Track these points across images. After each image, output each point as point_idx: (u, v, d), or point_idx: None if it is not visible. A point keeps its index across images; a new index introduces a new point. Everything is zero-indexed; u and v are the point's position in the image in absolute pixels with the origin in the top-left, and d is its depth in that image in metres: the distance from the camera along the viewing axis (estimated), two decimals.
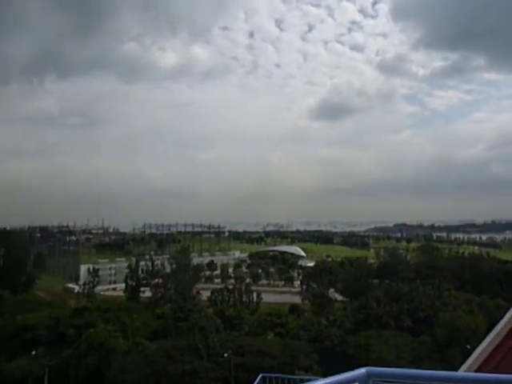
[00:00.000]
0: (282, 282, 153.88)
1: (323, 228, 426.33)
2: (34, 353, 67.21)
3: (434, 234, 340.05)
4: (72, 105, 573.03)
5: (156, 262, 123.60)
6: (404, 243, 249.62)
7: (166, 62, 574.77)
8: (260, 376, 8.07)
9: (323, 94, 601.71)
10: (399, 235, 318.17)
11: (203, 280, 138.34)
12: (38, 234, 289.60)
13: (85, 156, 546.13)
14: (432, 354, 61.93)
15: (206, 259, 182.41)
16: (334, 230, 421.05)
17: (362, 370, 3.88)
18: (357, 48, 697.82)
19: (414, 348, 63.98)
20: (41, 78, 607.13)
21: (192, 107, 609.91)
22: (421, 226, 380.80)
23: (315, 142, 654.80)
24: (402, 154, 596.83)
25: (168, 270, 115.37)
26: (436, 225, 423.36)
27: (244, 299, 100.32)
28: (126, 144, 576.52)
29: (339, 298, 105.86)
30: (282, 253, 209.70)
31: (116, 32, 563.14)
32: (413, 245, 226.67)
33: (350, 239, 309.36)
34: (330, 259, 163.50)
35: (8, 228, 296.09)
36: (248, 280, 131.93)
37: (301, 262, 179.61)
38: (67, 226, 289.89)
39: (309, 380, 5.18)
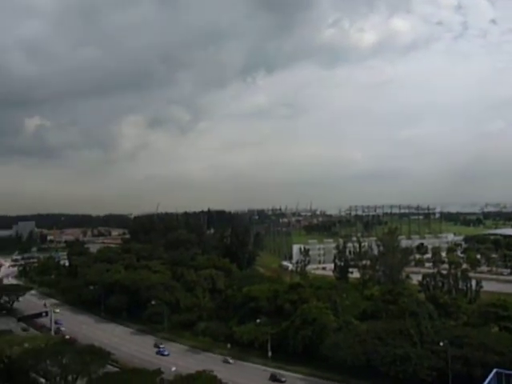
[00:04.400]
0: (508, 270, 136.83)
1: None
2: (258, 321, 76.48)
3: None
4: (280, 97, 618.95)
5: (363, 244, 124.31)
6: None
7: (364, 42, 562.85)
8: (494, 372, 7.47)
9: None
10: None
11: (413, 263, 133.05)
12: (256, 217, 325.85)
13: (293, 144, 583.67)
14: None
15: (415, 242, 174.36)
16: None
17: None
18: None
19: None
20: (253, 76, 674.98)
21: (393, 83, 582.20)
22: None
23: None
24: None
25: (375, 252, 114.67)
26: None
27: (460, 286, 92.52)
28: (328, 129, 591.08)
29: None
30: (507, 236, 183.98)
31: (314, 22, 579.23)
32: None
33: None
34: None
35: (232, 212, 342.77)
36: (464, 265, 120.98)
37: None
38: (280, 209, 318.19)
39: None
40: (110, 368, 61.46)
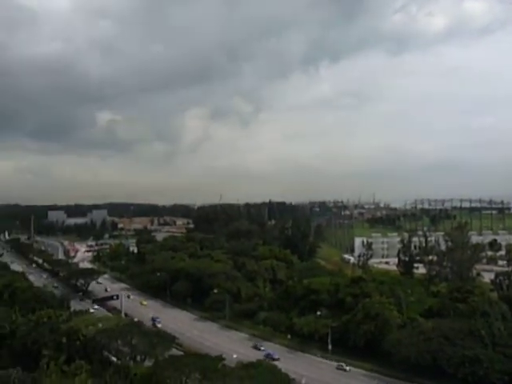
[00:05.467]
0: None
1: None
2: (318, 313, 76.16)
3: None
4: (344, 86, 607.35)
5: (429, 239, 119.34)
6: None
7: (434, 27, 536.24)
8: None
9: None
10: None
11: (484, 261, 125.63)
12: (317, 209, 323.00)
13: (357, 134, 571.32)
14: None
15: (488, 238, 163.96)
16: None
17: None
18: None
19: None
20: (315, 66, 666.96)
21: (465, 69, 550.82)
22: None
23: None
24: None
25: (443, 247, 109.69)
26: None
27: None
28: (395, 118, 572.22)
29: None
30: None
31: (380, 7, 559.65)
32: None
33: None
34: None
35: (293, 203, 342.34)
36: None
37: None
38: (341, 202, 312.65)
39: None
40: (174, 351, 64.12)
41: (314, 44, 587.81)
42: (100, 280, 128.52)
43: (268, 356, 68.09)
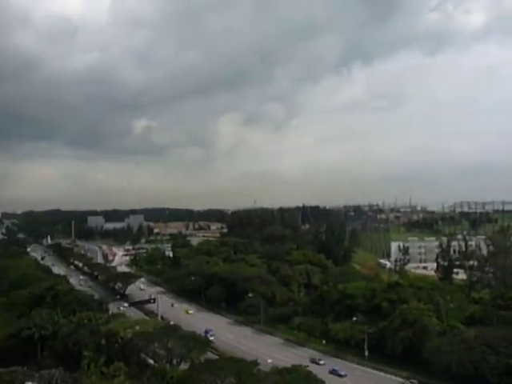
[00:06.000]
0: None
1: None
2: (354, 319, 74.91)
3: None
4: (377, 88, 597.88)
5: (470, 243, 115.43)
6: None
7: (471, 25, 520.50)
8: None
9: None
10: None
11: None
12: (352, 213, 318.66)
13: (391, 136, 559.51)
14: None
15: None
16: None
17: None
18: None
19: None
20: (348, 68, 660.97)
21: (504, 68, 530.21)
22: None
23: None
24: None
25: (484, 252, 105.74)
26: None
27: None
28: (430, 119, 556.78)
29: None
30: None
31: (414, 7, 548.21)
32: None
33: None
34: None
35: (327, 207, 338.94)
36: None
37: None
38: (377, 205, 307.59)
39: None
40: (209, 355, 64.62)
41: (347, 45, 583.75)
42: (137, 283, 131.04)
43: (333, 372, 62.55)
